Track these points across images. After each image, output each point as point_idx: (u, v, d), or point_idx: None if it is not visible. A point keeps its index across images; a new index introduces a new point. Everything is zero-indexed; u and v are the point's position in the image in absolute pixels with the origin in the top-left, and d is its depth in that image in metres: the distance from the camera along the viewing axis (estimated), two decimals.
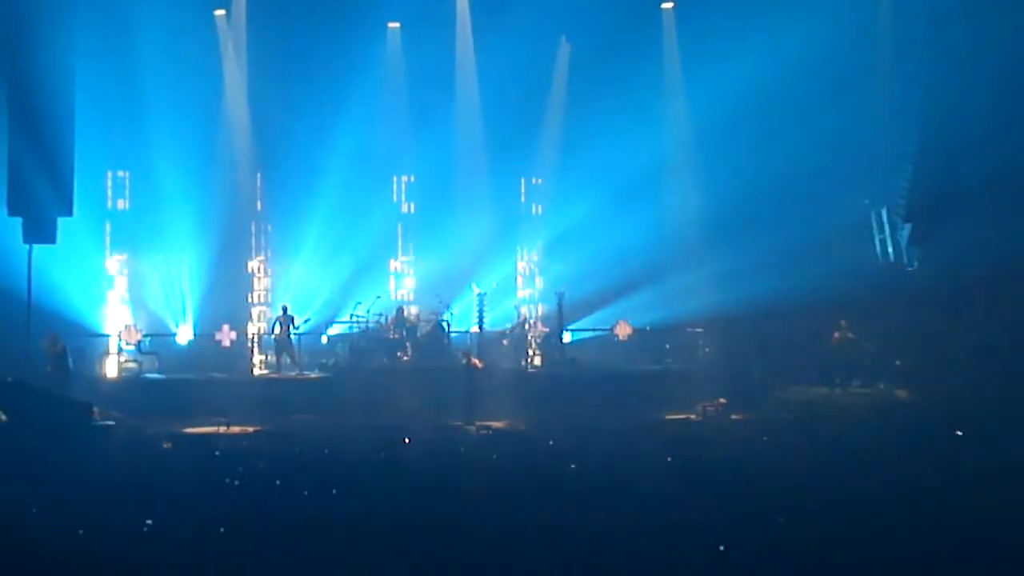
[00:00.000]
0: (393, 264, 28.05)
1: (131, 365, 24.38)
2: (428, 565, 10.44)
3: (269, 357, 25.29)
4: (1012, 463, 14.62)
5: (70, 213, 23.03)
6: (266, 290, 26.95)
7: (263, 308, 26.77)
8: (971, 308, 23.16)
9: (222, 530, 11.26)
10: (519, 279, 28.42)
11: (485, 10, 26.70)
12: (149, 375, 24.19)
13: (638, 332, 26.64)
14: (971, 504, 12.57)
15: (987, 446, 16.63)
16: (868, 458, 15.87)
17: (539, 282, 28.27)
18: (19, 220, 22.64)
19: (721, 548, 10.70)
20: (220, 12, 26.25)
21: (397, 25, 27.11)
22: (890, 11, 26.06)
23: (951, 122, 24.06)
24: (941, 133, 24.41)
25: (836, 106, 25.01)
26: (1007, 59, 23.08)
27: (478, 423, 21.04)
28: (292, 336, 24.92)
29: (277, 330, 24.88)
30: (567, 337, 26.83)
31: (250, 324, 26.37)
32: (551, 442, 18.10)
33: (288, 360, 24.78)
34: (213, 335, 25.40)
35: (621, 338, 26.67)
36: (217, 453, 16.71)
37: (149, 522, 11.44)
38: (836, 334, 24.29)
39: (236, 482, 14.08)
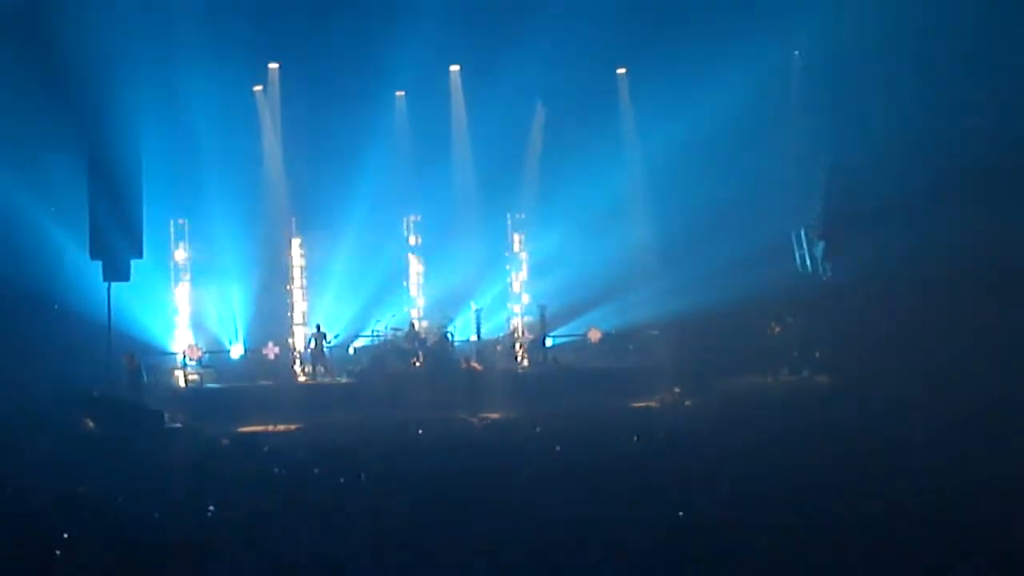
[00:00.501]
0: (405, 287, 28.02)
1: (194, 377, 24.26)
2: (441, 525, 10.51)
3: (307, 367, 25.28)
4: (907, 431, 15.20)
5: (141, 255, 23.02)
6: (303, 312, 26.89)
7: (301, 327, 26.71)
8: (875, 308, 23.28)
9: (270, 512, 11.26)
10: (509, 296, 28.40)
11: (474, 80, 26.82)
12: (209, 385, 24.09)
13: (607, 336, 26.68)
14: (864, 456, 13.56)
15: (890, 421, 16.79)
16: (787, 432, 16.02)
17: (525, 298, 28.19)
18: (99, 263, 22.62)
19: (680, 514, 10.76)
20: (258, 88, 26.30)
21: (403, 94, 27.11)
22: (800, 72, 26.54)
23: (853, 157, 24.43)
24: (845, 167, 24.81)
25: (760, 149, 25.31)
26: (895, 106, 23.45)
27: (479, 415, 21.05)
28: (325, 349, 24.91)
29: (313, 344, 24.92)
30: (549, 342, 26.83)
31: (291, 340, 26.30)
32: (538, 428, 18.11)
33: (322, 369, 24.76)
34: (260, 350, 25.32)
35: (593, 341, 26.70)
36: (266, 448, 16.69)
37: (212, 508, 11.43)
38: (768, 331, 24.40)
39: (283, 471, 14.07)
